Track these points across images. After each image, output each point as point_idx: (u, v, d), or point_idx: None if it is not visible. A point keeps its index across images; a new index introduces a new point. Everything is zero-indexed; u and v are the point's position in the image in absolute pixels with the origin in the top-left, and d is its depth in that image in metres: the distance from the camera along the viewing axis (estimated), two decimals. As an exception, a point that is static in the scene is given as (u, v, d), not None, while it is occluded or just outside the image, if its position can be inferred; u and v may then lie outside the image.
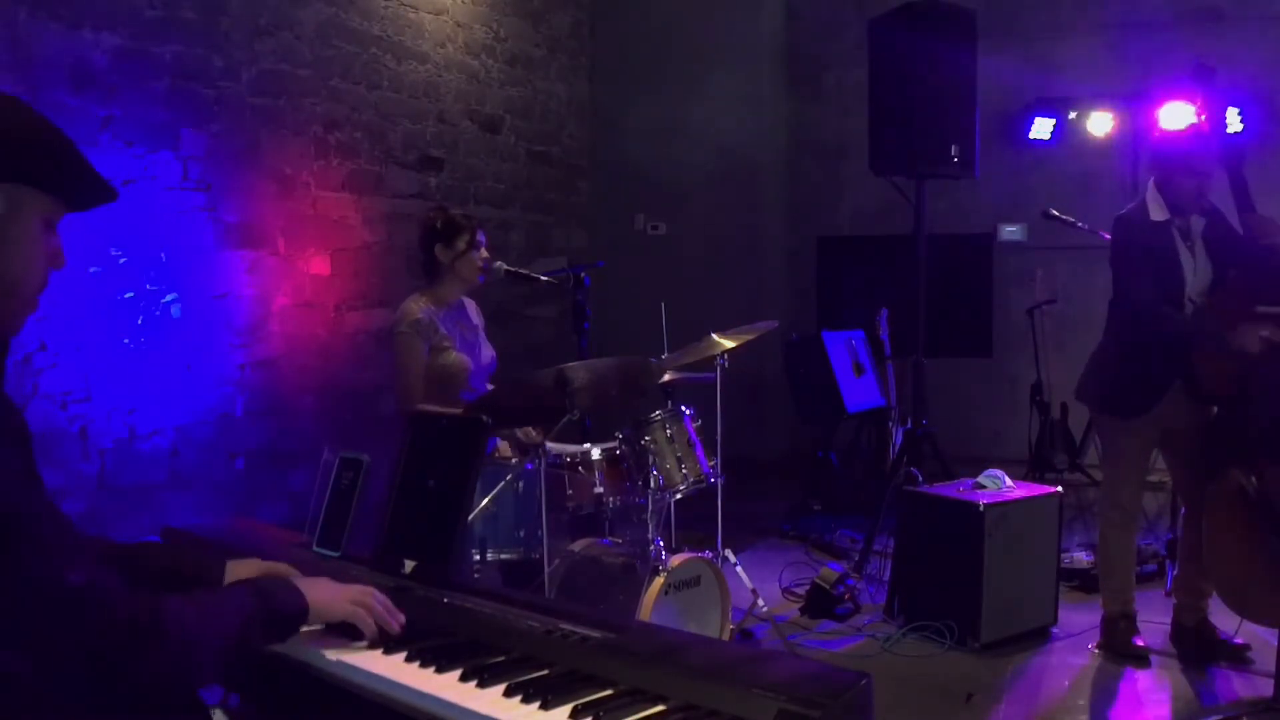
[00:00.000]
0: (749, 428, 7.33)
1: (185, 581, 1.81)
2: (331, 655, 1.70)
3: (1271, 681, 3.49)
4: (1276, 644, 3.42)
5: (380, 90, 6.20)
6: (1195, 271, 3.83)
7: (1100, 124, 7.16)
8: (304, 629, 1.70)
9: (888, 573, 4.63)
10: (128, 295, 4.74)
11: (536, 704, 1.47)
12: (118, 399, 4.69)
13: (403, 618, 1.75)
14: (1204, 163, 3.79)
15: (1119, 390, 3.93)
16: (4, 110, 1.43)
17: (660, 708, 1.44)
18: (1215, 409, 3.84)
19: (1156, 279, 3.79)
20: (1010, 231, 7.72)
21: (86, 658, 1.38)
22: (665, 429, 3.69)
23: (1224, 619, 3.93)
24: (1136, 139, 7.08)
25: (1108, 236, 4.08)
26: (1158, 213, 3.85)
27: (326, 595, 1.71)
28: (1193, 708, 3.59)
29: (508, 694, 1.51)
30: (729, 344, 4.15)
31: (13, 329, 1.51)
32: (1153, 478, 4.17)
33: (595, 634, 1.66)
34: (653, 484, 3.61)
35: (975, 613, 4.09)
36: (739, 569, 4.28)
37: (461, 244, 3.88)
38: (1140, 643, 3.99)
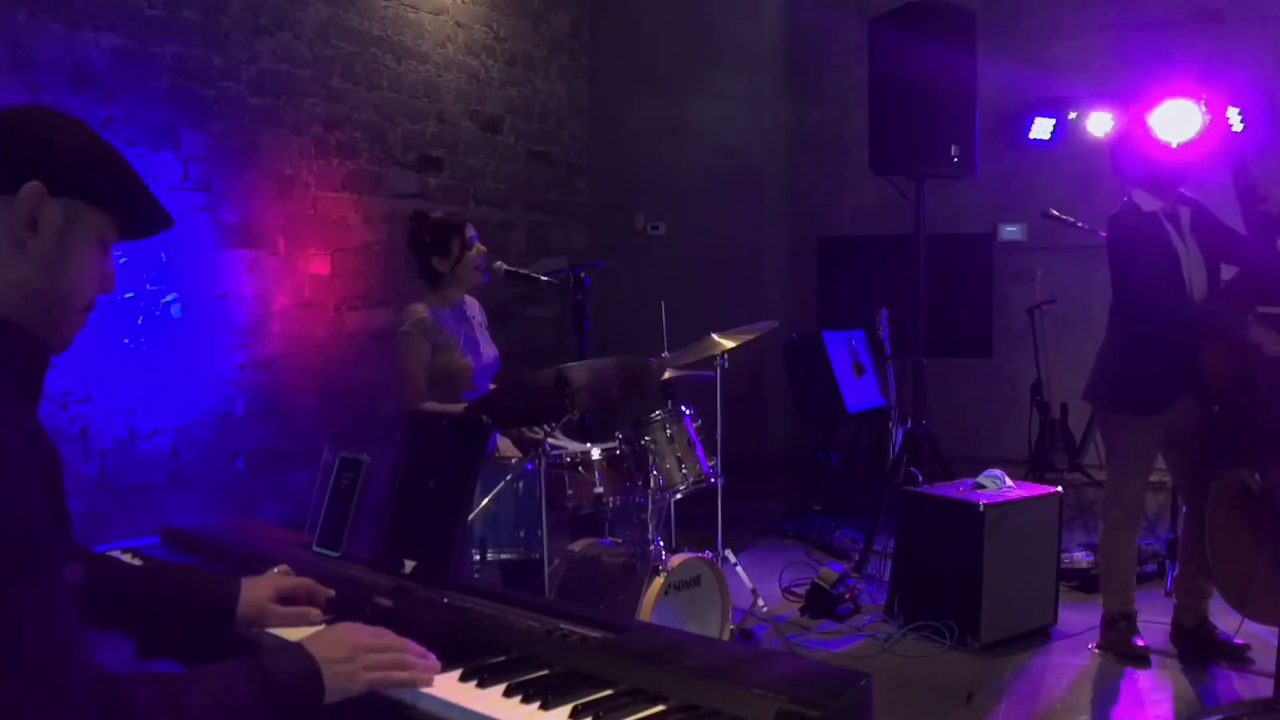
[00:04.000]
0: (749, 428, 7.33)
1: (197, 610, 1.79)
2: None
3: (1271, 681, 3.49)
4: (1276, 644, 3.41)
5: (380, 90, 6.20)
6: (1189, 260, 3.86)
7: (1100, 124, 7.15)
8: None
9: (888, 573, 4.63)
10: (128, 295, 4.74)
11: (536, 704, 1.46)
12: (118, 399, 4.69)
13: (437, 665, 1.58)
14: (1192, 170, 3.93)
15: (1137, 388, 3.91)
16: (67, 128, 1.43)
17: (660, 708, 1.43)
18: (1218, 408, 3.84)
19: (1158, 270, 3.81)
20: (1010, 231, 7.72)
21: None
22: (665, 429, 3.69)
23: (1224, 619, 3.93)
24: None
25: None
26: (1148, 203, 3.91)
27: (344, 670, 1.49)
28: (1193, 708, 3.59)
29: (508, 694, 1.51)
30: (729, 344, 4.15)
31: (57, 344, 1.46)
32: (1153, 478, 4.17)
33: (595, 634, 1.66)
34: (653, 484, 3.61)
35: (975, 613, 4.09)
36: (739, 569, 4.28)
37: (456, 248, 3.86)
38: (1140, 643, 3.99)
